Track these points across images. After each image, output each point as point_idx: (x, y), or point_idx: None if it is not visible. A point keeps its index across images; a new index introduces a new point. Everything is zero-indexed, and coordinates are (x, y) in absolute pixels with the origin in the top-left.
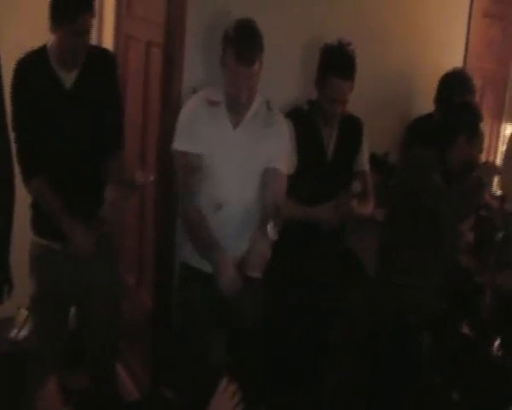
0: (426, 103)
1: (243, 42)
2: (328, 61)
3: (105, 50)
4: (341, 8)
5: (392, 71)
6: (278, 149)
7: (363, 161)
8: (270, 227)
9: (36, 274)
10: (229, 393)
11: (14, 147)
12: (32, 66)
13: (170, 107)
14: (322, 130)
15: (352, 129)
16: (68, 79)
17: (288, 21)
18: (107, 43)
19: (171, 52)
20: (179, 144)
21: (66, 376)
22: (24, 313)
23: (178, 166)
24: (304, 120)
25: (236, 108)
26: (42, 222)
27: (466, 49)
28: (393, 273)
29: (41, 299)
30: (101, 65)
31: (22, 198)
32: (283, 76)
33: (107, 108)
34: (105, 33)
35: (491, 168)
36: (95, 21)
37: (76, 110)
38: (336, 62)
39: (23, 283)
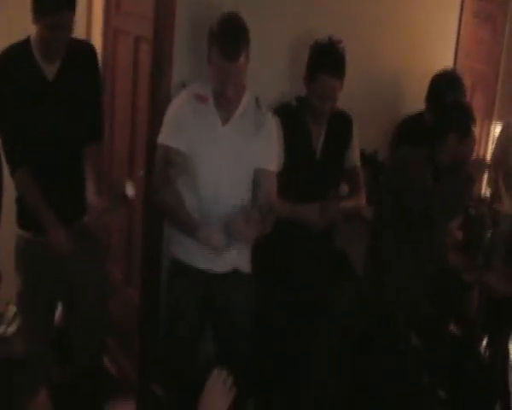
0: (416, 102)
1: (228, 37)
2: (317, 59)
3: (85, 42)
4: (332, 5)
5: (382, 69)
6: (268, 149)
7: (354, 157)
8: None
9: (22, 268)
10: (222, 379)
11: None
12: (15, 58)
13: (158, 102)
14: (311, 127)
15: (341, 125)
16: (50, 70)
17: (276, 17)
18: (96, 37)
19: (160, 47)
20: (162, 138)
21: (53, 372)
22: (13, 309)
23: (158, 159)
24: (292, 116)
25: (224, 104)
26: (27, 216)
27: (456, 49)
28: (382, 272)
29: (27, 293)
30: (82, 56)
31: (8, 193)
32: (271, 72)
33: (88, 99)
34: (94, 28)
35: (481, 164)
36: (84, 16)
37: (58, 102)
38: (326, 60)
39: (12, 278)
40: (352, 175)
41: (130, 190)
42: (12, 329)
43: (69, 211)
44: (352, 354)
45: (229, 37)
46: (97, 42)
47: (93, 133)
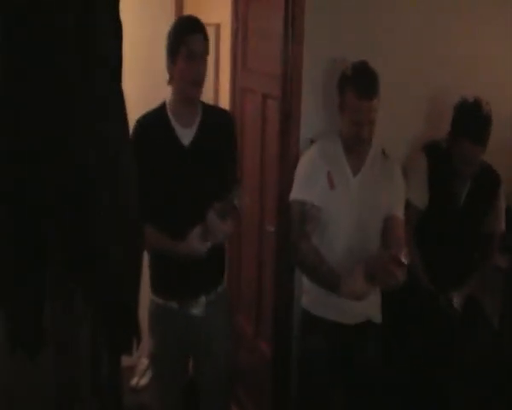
0: None
1: (362, 77)
2: (461, 121)
3: (223, 109)
4: (458, 52)
5: None
6: (397, 198)
7: (496, 222)
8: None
9: (154, 332)
10: None
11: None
12: (151, 124)
13: (288, 158)
14: (457, 176)
15: (487, 184)
16: (186, 135)
17: (401, 67)
18: (224, 95)
19: (288, 105)
20: (297, 194)
21: None
22: (144, 361)
23: (294, 215)
24: (441, 157)
25: (357, 146)
26: (159, 282)
27: None
28: None
29: (160, 355)
30: (218, 123)
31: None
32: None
33: (226, 164)
34: (221, 87)
35: None
36: (212, 75)
37: (193, 167)
38: (470, 125)
39: (143, 332)
40: (487, 241)
41: (237, 200)
42: (143, 381)
43: (207, 280)
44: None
45: (364, 77)
46: (225, 100)
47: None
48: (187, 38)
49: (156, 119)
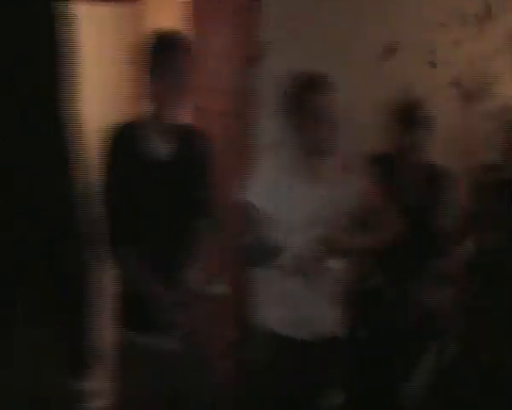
0: None
1: (314, 81)
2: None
3: (198, 128)
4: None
5: None
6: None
7: (446, 216)
8: None
9: (123, 373)
10: None
11: (105, 215)
12: (129, 133)
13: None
14: (404, 178)
15: (434, 181)
16: (162, 150)
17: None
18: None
19: (243, 119)
20: (245, 194)
21: None
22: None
23: (238, 212)
24: (387, 162)
25: (319, 155)
26: (132, 312)
27: None
28: None
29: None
30: (194, 140)
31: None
32: None
33: (198, 181)
34: None
35: None
36: None
37: (169, 182)
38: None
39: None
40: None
41: (217, 289)
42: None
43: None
44: None
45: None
46: None
47: (201, 211)
48: (166, 55)
49: (132, 129)
